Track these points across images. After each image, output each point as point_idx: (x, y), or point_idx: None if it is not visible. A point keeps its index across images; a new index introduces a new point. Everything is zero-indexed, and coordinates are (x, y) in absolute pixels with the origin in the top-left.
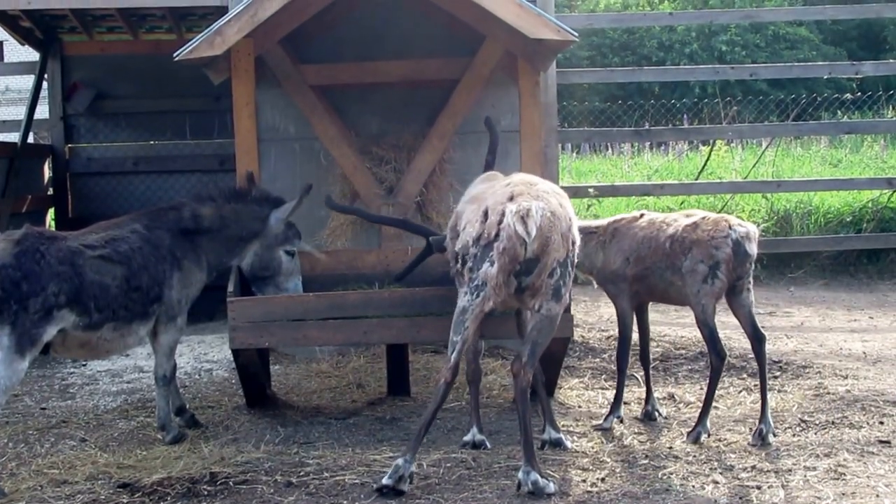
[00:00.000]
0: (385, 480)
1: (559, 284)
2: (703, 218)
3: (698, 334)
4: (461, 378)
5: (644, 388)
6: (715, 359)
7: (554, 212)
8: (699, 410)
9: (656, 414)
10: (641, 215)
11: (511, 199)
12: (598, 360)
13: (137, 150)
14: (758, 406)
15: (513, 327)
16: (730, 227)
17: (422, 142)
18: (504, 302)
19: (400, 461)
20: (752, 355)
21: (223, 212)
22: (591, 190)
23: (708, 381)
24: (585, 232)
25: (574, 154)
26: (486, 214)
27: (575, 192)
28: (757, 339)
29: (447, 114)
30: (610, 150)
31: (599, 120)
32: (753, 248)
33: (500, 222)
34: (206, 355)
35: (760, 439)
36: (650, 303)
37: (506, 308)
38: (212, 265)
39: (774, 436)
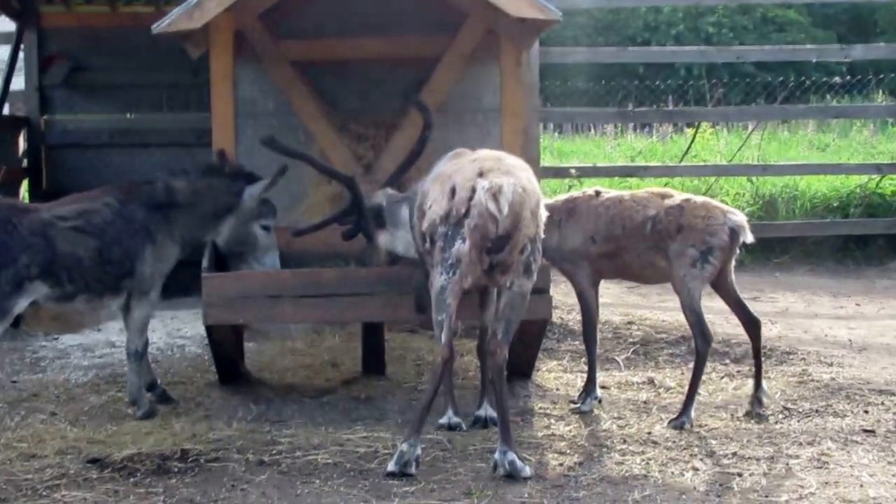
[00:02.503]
0: (391, 466)
1: (529, 261)
2: (688, 200)
3: (680, 318)
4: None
5: (624, 373)
6: (701, 343)
7: (524, 188)
8: (683, 397)
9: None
10: (597, 193)
11: (481, 175)
12: (577, 342)
13: (114, 123)
14: (740, 392)
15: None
16: (724, 215)
17: (401, 119)
18: (476, 279)
19: (404, 446)
20: (735, 340)
21: (197, 186)
22: (572, 170)
23: (693, 367)
24: None
25: (556, 134)
26: (453, 191)
27: (556, 173)
28: (752, 322)
29: (427, 91)
30: (593, 131)
31: (583, 100)
32: (749, 237)
33: (471, 199)
34: (179, 331)
35: (757, 415)
36: (606, 281)
37: (477, 287)
38: (186, 240)
39: (762, 418)
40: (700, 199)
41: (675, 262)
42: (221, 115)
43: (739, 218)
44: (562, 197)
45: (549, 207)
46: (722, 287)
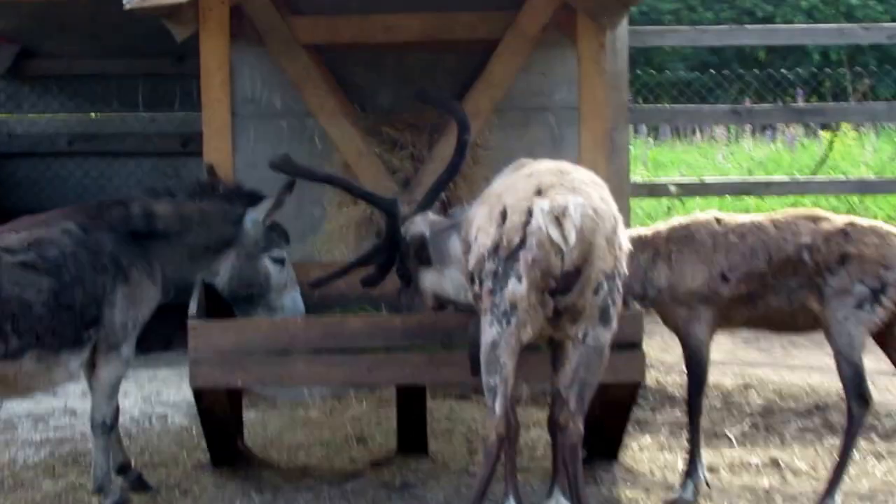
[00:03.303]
0: None
1: (607, 304)
2: (852, 224)
3: (812, 381)
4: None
5: (739, 452)
6: (857, 406)
7: (597, 209)
8: (817, 483)
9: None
10: (719, 219)
11: (539, 192)
12: (678, 411)
13: (74, 125)
14: (892, 479)
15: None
16: None
17: (448, 121)
18: (539, 330)
19: None
20: (886, 410)
21: (184, 211)
22: (672, 187)
23: (843, 438)
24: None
25: (651, 140)
26: (503, 215)
27: (651, 190)
28: None
29: (483, 84)
30: (698, 135)
31: (685, 95)
32: None
33: (527, 224)
34: (158, 396)
35: None
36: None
37: (539, 339)
38: (169, 279)
39: None
40: (866, 221)
41: (835, 303)
42: (215, 116)
43: None
44: (664, 224)
45: (652, 237)
46: (891, 338)
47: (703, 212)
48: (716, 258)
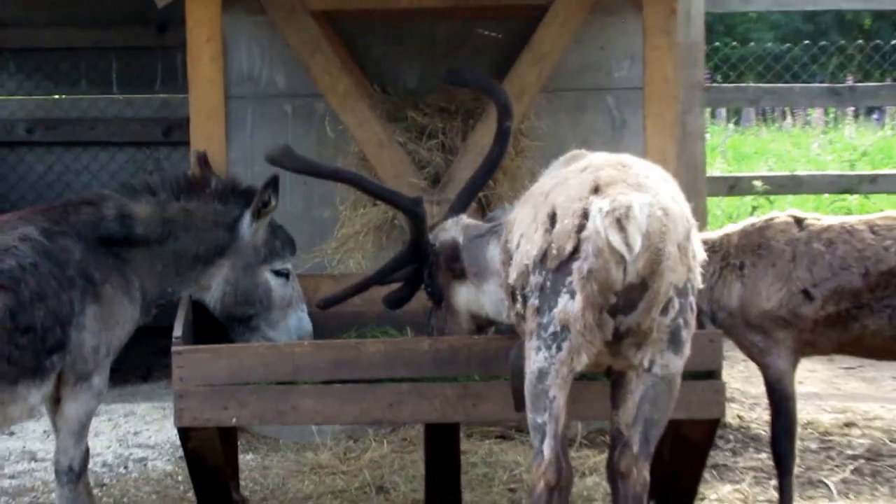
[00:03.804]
0: None
1: (678, 325)
2: None
3: None
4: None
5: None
6: None
7: (666, 209)
8: None
9: None
10: (798, 220)
11: (596, 190)
12: (764, 455)
13: (33, 110)
14: None
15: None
16: None
17: (486, 104)
18: (596, 357)
19: None
20: None
21: (168, 213)
22: (757, 183)
23: None
24: None
25: (732, 126)
26: (552, 218)
27: (732, 187)
28: None
29: (528, 60)
30: (790, 120)
31: (773, 71)
32: None
33: (582, 228)
34: (136, 436)
35: None
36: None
37: (596, 368)
38: (150, 296)
39: None
40: None
41: None
42: (205, 98)
43: None
44: (733, 227)
45: (720, 243)
46: None
47: (777, 212)
48: (796, 272)
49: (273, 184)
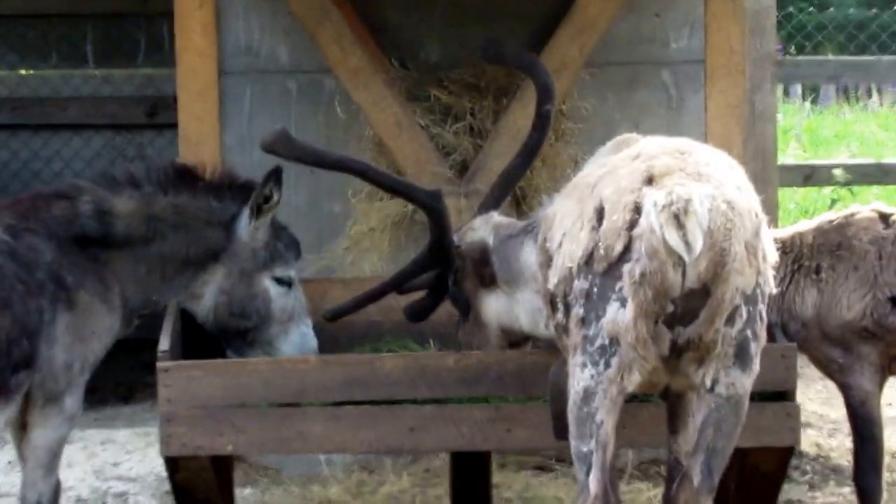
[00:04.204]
0: None
1: (745, 337)
2: None
3: None
4: None
5: None
6: None
7: (732, 203)
8: None
9: None
10: (886, 216)
11: (650, 181)
12: (846, 489)
13: None
14: None
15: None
16: None
17: (521, 80)
18: (650, 374)
19: None
20: None
21: (154, 208)
22: (837, 172)
23: None
24: None
25: (808, 105)
26: (599, 214)
27: (808, 176)
28: None
29: (570, 30)
30: (876, 98)
31: (857, 42)
32: None
33: (633, 225)
34: (116, 467)
35: None
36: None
37: (650, 387)
38: (132, 304)
39: None
40: None
41: None
42: (195, 73)
43: None
44: (815, 222)
45: (790, 242)
46: None
47: (859, 206)
48: (882, 276)
49: (276, 176)
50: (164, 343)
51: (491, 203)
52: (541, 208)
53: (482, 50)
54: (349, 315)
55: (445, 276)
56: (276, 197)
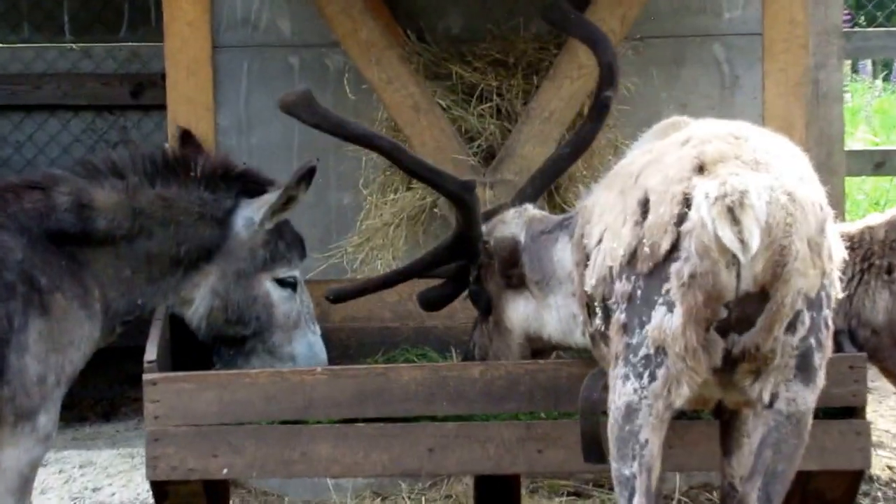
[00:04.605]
0: None
1: (809, 346)
2: None
3: None
4: None
5: None
6: None
7: (793, 194)
8: None
9: None
10: None
11: (701, 170)
12: None
13: None
14: None
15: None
16: None
17: (553, 55)
18: (701, 388)
19: None
20: None
21: (140, 201)
22: None
23: None
24: None
25: (879, 82)
26: (644, 206)
27: (880, 163)
28: None
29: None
30: None
31: None
32: None
33: (682, 220)
34: (96, 493)
35: None
36: None
37: (701, 403)
38: (114, 309)
39: None
40: None
41: None
42: (185, 48)
43: None
44: (887, 216)
45: (859, 238)
46: None
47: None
48: None
49: (309, 175)
50: (151, 352)
51: (529, 195)
52: (578, 201)
53: (544, 11)
54: (354, 299)
55: (468, 269)
56: (301, 197)
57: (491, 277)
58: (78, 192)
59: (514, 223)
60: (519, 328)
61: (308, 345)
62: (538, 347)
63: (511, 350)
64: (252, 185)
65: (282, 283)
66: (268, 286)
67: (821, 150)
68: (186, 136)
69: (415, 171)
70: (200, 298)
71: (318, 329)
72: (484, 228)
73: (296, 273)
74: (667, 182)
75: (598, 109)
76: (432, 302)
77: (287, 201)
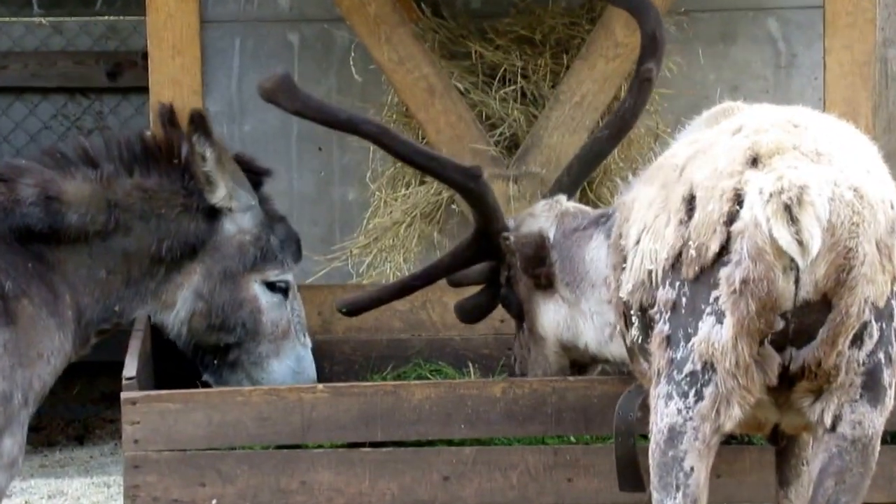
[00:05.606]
0: None
1: (877, 362)
2: None
3: None
4: None
5: None
6: None
7: (859, 190)
8: None
9: None
10: None
11: (754, 162)
12: None
13: None
14: None
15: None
16: None
17: (585, 32)
18: (754, 409)
19: None
20: None
21: (116, 193)
22: None
23: None
24: None
25: None
26: (690, 203)
27: None
28: None
29: None
30: None
31: None
32: None
33: (732, 219)
34: None
35: None
36: None
37: (754, 427)
38: (88, 316)
39: None
40: None
41: None
42: (169, 23)
43: None
44: None
45: None
46: None
47: None
48: None
49: (200, 123)
50: (131, 367)
51: (566, 185)
52: (616, 196)
53: None
54: (368, 311)
55: (499, 270)
56: (209, 153)
57: (520, 279)
58: (45, 183)
59: (543, 217)
60: (553, 336)
61: (297, 358)
62: (576, 359)
63: (548, 361)
64: (241, 174)
65: (272, 287)
66: (256, 289)
67: (890, 139)
68: (169, 117)
69: (409, 157)
70: (182, 301)
71: (309, 342)
72: (511, 223)
73: (288, 277)
74: (716, 176)
75: (640, 84)
76: (468, 311)
77: (202, 159)
